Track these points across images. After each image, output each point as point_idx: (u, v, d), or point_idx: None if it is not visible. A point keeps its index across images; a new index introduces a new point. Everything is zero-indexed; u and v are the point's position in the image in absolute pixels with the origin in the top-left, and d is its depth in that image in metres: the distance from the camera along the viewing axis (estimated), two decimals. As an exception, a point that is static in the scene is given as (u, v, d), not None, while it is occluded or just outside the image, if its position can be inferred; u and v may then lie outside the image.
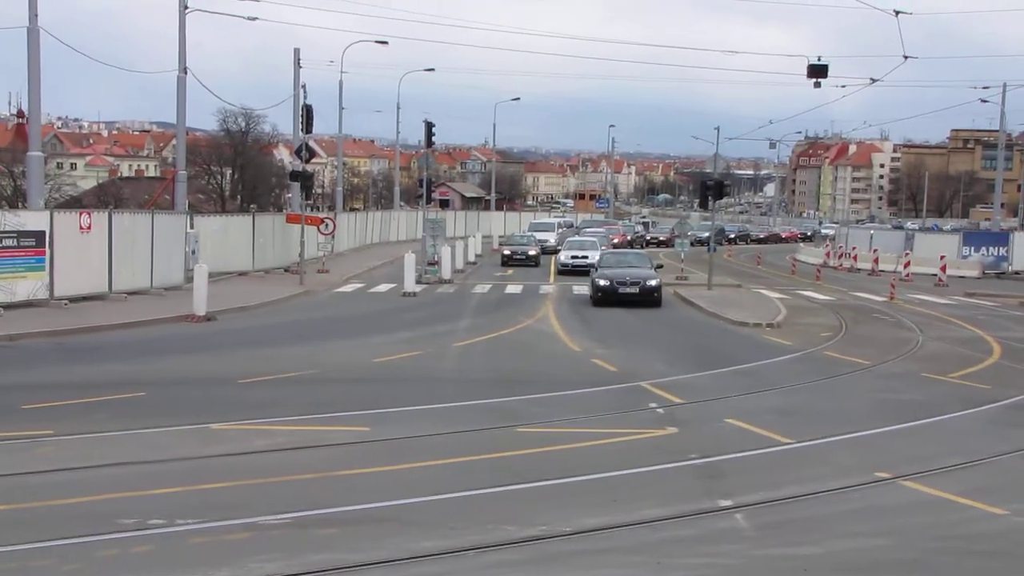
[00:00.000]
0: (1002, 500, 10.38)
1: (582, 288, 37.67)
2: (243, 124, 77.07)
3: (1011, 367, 20.29)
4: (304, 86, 45.38)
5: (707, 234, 52.18)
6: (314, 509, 9.58)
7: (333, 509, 9.62)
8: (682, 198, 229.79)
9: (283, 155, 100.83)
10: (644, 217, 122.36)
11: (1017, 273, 50.56)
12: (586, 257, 44.49)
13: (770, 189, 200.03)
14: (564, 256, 47.33)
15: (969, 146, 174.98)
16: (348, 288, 37.41)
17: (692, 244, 54.95)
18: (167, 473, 10.93)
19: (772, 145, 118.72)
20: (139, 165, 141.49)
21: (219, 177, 77.56)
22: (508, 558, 8.43)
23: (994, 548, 9.01)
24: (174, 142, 47.97)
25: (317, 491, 10.31)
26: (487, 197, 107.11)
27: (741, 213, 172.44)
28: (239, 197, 76.08)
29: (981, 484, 11.12)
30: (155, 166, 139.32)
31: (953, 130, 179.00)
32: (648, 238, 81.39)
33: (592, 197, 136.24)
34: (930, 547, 8.97)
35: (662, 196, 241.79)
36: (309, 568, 8.00)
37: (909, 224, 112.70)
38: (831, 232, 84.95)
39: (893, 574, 8.31)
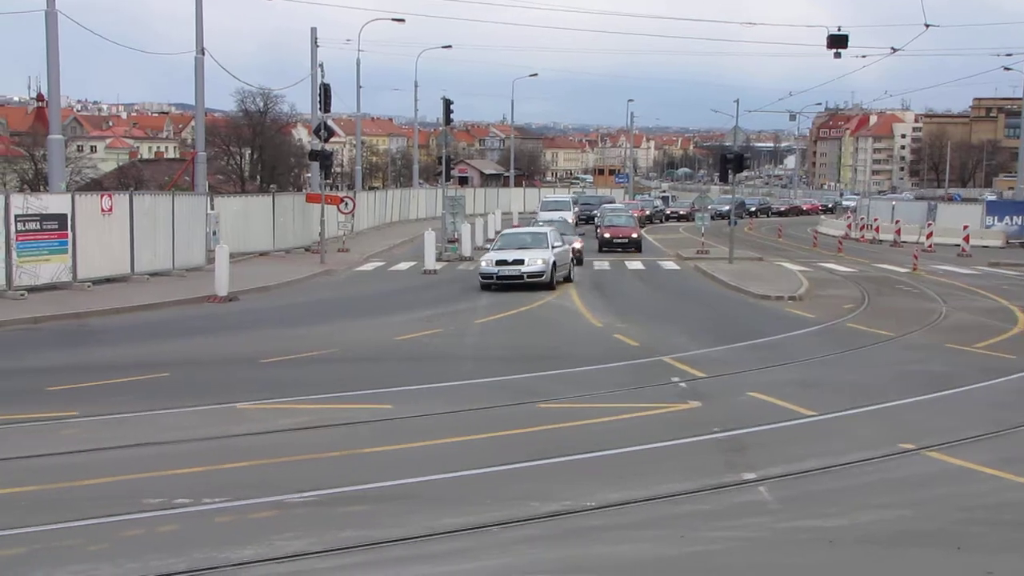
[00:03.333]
0: (1028, 470, 10.32)
1: (603, 263, 37.62)
2: (261, 104, 77.15)
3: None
4: (322, 65, 45.35)
5: (727, 207, 51.91)
6: (338, 487, 9.62)
7: (357, 487, 9.65)
8: (702, 172, 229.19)
9: (302, 135, 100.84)
10: (664, 191, 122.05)
11: (1040, 242, 50.18)
12: (520, 262, 28.58)
13: (790, 161, 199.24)
14: (486, 261, 29.44)
15: (992, 115, 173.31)
16: (368, 267, 37.47)
17: (712, 218, 54.79)
18: (192, 453, 10.99)
19: (792, 117, 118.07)
20: (158, 147, 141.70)
21: (238, 158, 77.68)
22: (531, 533, 8.44)
23: (1020, 518, 8.96)
24: (193, 123, 48.05)
25: (341, 469, 10.35)
26: (506, 173, 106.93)
27: (763, 186, 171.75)
28: (259, 177, 76.21)
29: (1007, 454, 11.06)
30: (174, 148, 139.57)
31: (975, 99, 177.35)
32: (668, 212, 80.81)
33: (611, 172, 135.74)
34: (956, 518, 8.93)
35: (682, 170, 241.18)
36: (334, 545, 8.04)
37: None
38: (852, 204, 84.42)
39: (918, 545, 8.27)
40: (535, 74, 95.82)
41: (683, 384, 14.99)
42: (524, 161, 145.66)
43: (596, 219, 49.01)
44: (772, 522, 8.79)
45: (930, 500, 9.44)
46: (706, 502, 9.32)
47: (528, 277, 28.14)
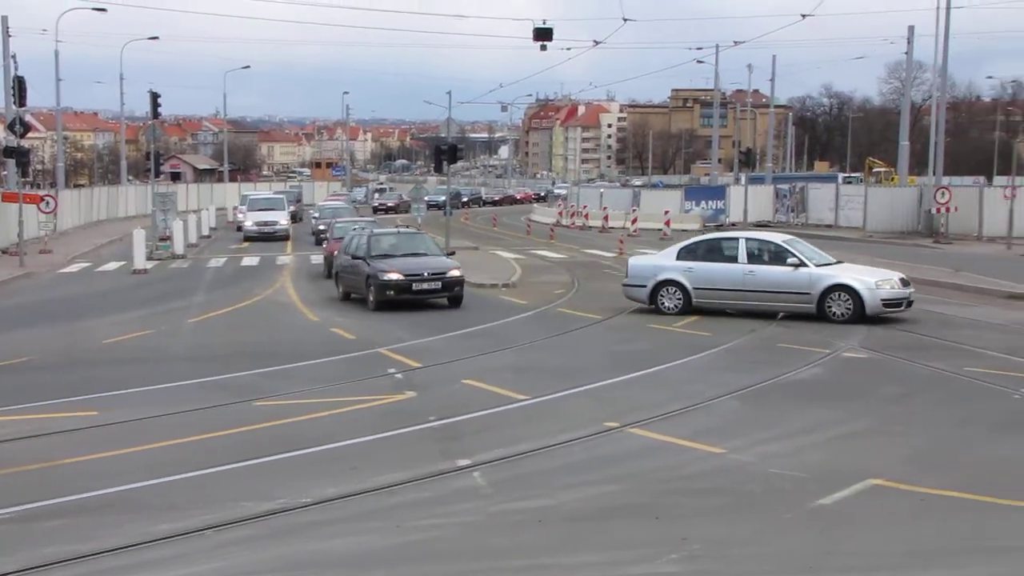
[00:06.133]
0: (721, 439, 11.02)
1: (319, 257, 37.34)
2: (-51, 98, 72.15)
3: (728, 314, 21.37)
4: (14, 56, 43.00)
5: (443, 198, 52.45)
6: (39, 501, 9.18)
7: (60, 499, 9.24)
8: (419, 163, 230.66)
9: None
10: (381, 183, 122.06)
11: (733, 224, 53.32)
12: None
13: (504, 151, 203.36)
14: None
15: (688, 105, 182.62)
16: (74, 268, 35.77)
17: (429, 208, 55.27)
18: None
19: (504, 108, 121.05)
20: None
21: (-76, 156, 72.41)
22: (246, 534, 8.34)
23: (714, 485, 9.57)
24: None
25: (42, 482, 9.88)
26: (220, 168, 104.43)
27: (479, 176, 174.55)
28: (-52, 176, 71.33)
29: (702, 426, 11.76)
30: None
31: (674, 90, 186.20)
32: (376, 205, 75.49)
33: (329, 165, 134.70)
34: (657, 489, 9.43)
35: (399, 162, 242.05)
36: (35, 563, 7.67)
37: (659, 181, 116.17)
38: (563, 192, 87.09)
39: (622, 518, 8.68)
40: (247, 66, 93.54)
41: (399, 375, 15.13)
42: (239, 155, 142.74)
43: (322, 231, 40.32)
44: (485, 506, 9.03)
45: (632, 475, 9.92)
46: (422, 491, 9.46)
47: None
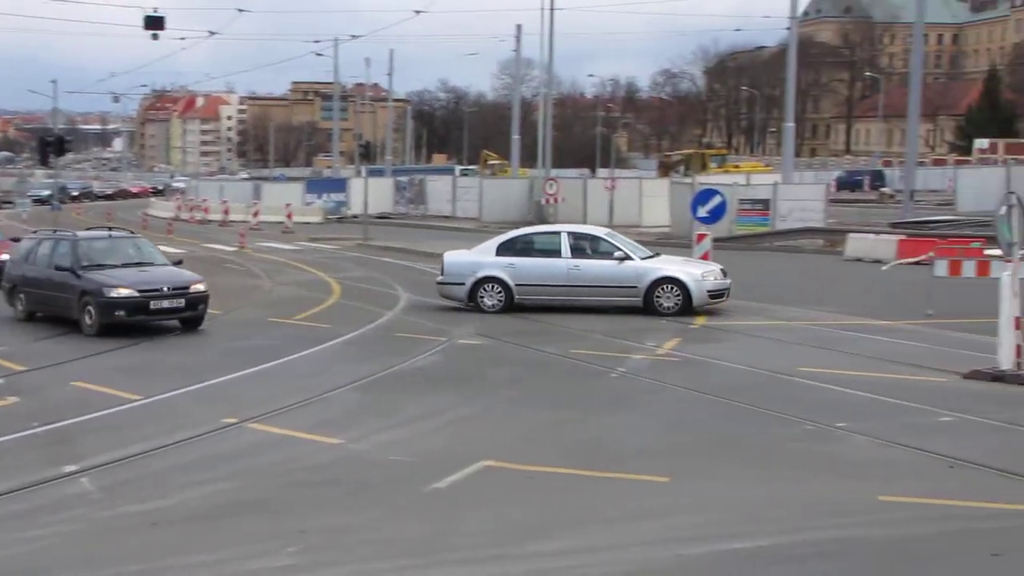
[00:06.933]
0: (339, 431, 11.13)
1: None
2: None
3: (348, 305, 21.63)
4: None
5: (48, 192, 49.62)
6: None
7: None
8: (25, 155, 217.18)
9: None
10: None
11: (355, 217, 53.72)
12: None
13: (119, 144, 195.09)
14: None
15: (309, 98, 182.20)
16: None
17: (36, 202, 52.23)
18: None
19: (116, 99, 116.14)
20: None
21: None
22: None
23: (330, 476, 9.64)
24: None
25: None
26: None
27: (92, 170, 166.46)
28: None
29: (321, 418, 11.83)
30: None
31: (294, 82, 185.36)
32: None
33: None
34: (275, 483, 9.40)
35: (2, 154, 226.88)
36: None
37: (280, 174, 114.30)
38: (183, 185, 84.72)
39: (240, 515, 8.58)
40: None
41: (1, 380, 14.21)
42: None
43: None
44: (94, 512, 8.68)
45: (252, 470, 9.86)
46: (23, 501, 8.94)
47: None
